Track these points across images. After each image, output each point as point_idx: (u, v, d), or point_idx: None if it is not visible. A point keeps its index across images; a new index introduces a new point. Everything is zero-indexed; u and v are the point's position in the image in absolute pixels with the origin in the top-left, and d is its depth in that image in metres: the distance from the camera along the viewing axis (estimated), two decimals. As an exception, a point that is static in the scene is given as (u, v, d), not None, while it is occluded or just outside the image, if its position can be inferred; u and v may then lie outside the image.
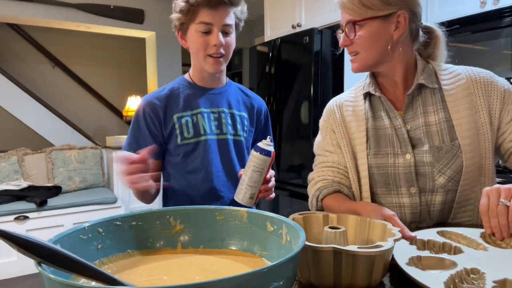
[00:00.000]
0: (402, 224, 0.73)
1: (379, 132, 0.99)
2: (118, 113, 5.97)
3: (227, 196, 1.12)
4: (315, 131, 1.44)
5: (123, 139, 3.69)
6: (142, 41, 4.96)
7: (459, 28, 1.95)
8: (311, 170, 1.11)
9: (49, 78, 5.58)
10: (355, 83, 1.12)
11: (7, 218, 2.90)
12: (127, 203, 3.52)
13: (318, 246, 0.55)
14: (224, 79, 1.19)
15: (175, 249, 0.63)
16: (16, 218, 2.93)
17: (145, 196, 1.10)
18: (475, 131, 0.92)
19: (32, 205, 3.00)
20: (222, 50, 1.05)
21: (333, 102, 1.10)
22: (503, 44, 1.88)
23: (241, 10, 1.09)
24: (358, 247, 0.55)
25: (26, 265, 2.89)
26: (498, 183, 0.83)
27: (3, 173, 3.24)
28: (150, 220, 0.63)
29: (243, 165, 1.15)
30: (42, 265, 0.42)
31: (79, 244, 0.53)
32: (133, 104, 5.14)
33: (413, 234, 0.72)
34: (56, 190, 3.30)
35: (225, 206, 0.64)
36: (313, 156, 1.13)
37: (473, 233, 0.73)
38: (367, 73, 1.05)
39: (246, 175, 0.90)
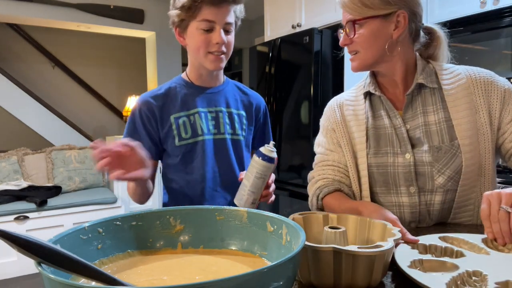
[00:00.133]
0: (404, 229, 0.73)
1: (379, 131, 0.99)
2: (118, 113, 5.97)
3: (225, 196, 1.12)
4: (315, 131, 1.44)
5: (123, 139, 3.68)
6: (142, 41, 4.96)
7: (459, 28, 1.96)
8: (311, 169, 1.11)
9: (49, 78, 5.58)
10: (355, 83, 1.12)
11: (7, 218, 2.90)
12: (127, 203, 3.52)
13: (318, 246, 0.55)
14: (222, 77, 1.18)
15: (175, 249, 0.63)
16: (16, 218, 2.93)
17: (136, 191, 1.06)
18: (475, 131, 0.92)
19: (32, 205, 3.00)
20: (223, 48, 1.04)
21: (334, 102, 1.10)
22: (503, 44, 1.88)
23: (240, 9, 1.09)
24: (358, 247, 0.55)
25: (26, 265, 2.89)
26: (498, 183, 0.83)
27: (3, 173, 3.24)
28: (150, 220, 0.63)
29: (241, 165, 1.15)
30: (42, 265, 0.42)
31: (79, 244, 0.53)
32: (133, 104, 5.13)
33: (415, 238, 0.71)
34: (56, 190, 3.30)
35: (225, 206, 0.64)
36: (313, 156, 1.13)
37: (475, 238, 0.73)
38: (367, 73, 1.05)
39: (248, 180, 0.87)
